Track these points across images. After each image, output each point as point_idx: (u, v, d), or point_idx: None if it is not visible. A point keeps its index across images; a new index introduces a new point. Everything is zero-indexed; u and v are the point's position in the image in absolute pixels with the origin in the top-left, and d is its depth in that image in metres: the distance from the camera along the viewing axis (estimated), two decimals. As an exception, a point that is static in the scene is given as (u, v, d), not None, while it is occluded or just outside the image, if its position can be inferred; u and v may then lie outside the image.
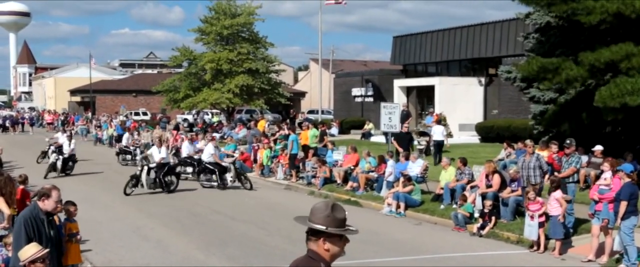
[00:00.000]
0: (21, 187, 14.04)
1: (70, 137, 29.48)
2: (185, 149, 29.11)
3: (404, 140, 25.66)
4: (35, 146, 44.00)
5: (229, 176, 24.80)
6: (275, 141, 31.28)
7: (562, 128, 23.25)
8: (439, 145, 28.42)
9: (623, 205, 12.96)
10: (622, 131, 23.35)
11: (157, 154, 23.98)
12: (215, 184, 24.73)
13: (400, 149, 24.05)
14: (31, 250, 7.31)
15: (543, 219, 14.67)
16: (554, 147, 17.42)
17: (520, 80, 26.66)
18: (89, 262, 13.73)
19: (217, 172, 24.80)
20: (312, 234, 4.35)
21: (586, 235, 14.95)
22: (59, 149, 28.30)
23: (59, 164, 27.43)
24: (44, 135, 55.21)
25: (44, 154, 31.90)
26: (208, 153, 25.22)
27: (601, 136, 23.00)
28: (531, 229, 14.81)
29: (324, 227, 4.28)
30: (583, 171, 20.31)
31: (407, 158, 22.07)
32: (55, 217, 9.99)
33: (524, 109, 31.78)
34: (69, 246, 10.62)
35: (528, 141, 18.41)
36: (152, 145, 33.45)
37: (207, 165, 25.10)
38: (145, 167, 23.43)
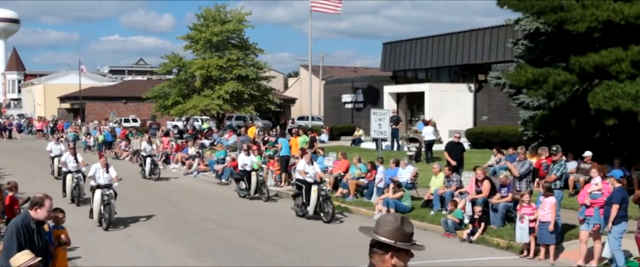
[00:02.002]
0: (10, 194, 14.01)
1: (74, 152, 24.50)
2: (243, 160, 24.71)
3: (457, 151, 23.27)
4: (24, 152, 43.93)
5: (312, 199, 19.75)
6: (265, 148, 31.32)
7: (552, 134, 23.32)
8: (430, 144, 29.32)
9: (614, 208, 13.00)
10: (611, 137, 23.45)
11: (104, 176, 19.17)
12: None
13: (453, 162, 22.03)
14: (23, 258, 7.31)
15: (534, 224, 14.72)
16: (545, 154, 17.51)
17: (510, 87, 26.74)
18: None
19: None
20: (379, 247, 4.15)
21: (575, 240, 14.99)
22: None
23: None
24: (34, 142, 55.07)
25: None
26: (313, 172, 20.39)
27: (590, 142, 23.09)
28: (522, 232, 14.85)
29: (393, 241, 4.10)
30: (572, 177, 20.41)
31: (454, 170, 21.71)
32: (45, 225, 9.99)
33: (513, 115, 31.87)
34: (57, 253, 10.59)
35: (519, 148, 18.48)
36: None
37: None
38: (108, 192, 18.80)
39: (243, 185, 24.35)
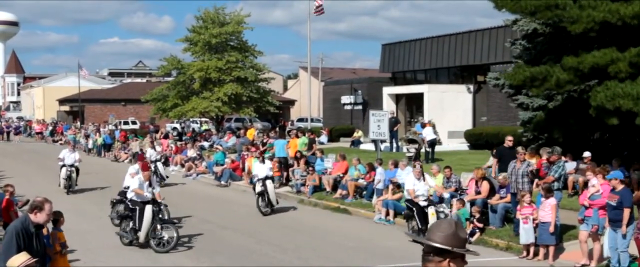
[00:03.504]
0: (6, 196, 14.02)
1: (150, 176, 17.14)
2: (255, 169, 22.59)
3: (509, 156, 19.63)
4: (25, 155, 43.90)
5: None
6: (265, 150, 31.30)
7: (552, 135, 23.32)
8: (432, 144, 29.52)
9: (627, 211, 12.96)
10: (610, 138, 23.46)
11: (147, 190, 16.30)
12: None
13: (495, 173, 19.25)
14: (20, 259, 7.34)
15: (535, 224, 14.71)
16: (545, 155, 17.54)
17: (509, 87, 26.75)
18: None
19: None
20: (436, 254, 4.04)
21: (575, 241, 14.99)
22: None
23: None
24: (33, 145, 55.06)
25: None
26: (425, 189, 17.39)
27: (590, 143, 23.10)
28: (527, 232, 14.80)
29: (450, 247, 4.01)
30: (571, 178, 20.39)
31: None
32: (44, 228, 9.99)
33: (512, 115, 31.87)
34: (58, 258, 10.57)
35: (519, 148, 18.47)
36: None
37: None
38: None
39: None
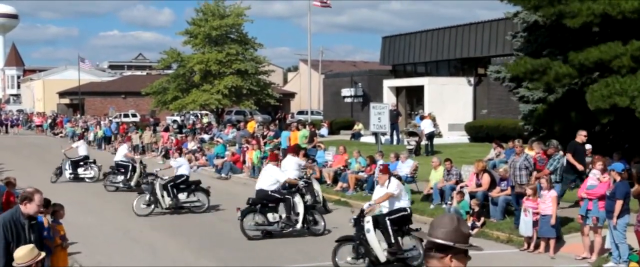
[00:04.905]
0: (7, 189, 14.01)
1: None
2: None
3: (581, 152, 18.24)
4: (25, 149, 43.84)
5: None
6: (265, 143, 31.32)
7: (552, 127, 23.30)
8: (430, 136, 29.50)
9: (619, 204, 12.97)
10: (611, 131, 23.43)
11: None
12: None
13: (580, 166, 17.38)
14: (31, 253, 7.40)
15: (536, 217, 14.69)
16: (537, 148, 17.49)
17: (509, 80, 26.73)
18: (78, 265, 13.68)
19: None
20: (438, 250, 4.00)
21: (575, 234, 14.98)
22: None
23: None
24: (34, 138, 55.01)
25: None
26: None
27: (590, 135, 23.07)
28: (526, 225, 14.79)
29: (452, 243, 3.97)
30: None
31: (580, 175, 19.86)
32: (45, 220, 9.96)
33: (513, 108, 31.86)
34: (59, 252, 10.57)
35: (516, 141, 18.45)
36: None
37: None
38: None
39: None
